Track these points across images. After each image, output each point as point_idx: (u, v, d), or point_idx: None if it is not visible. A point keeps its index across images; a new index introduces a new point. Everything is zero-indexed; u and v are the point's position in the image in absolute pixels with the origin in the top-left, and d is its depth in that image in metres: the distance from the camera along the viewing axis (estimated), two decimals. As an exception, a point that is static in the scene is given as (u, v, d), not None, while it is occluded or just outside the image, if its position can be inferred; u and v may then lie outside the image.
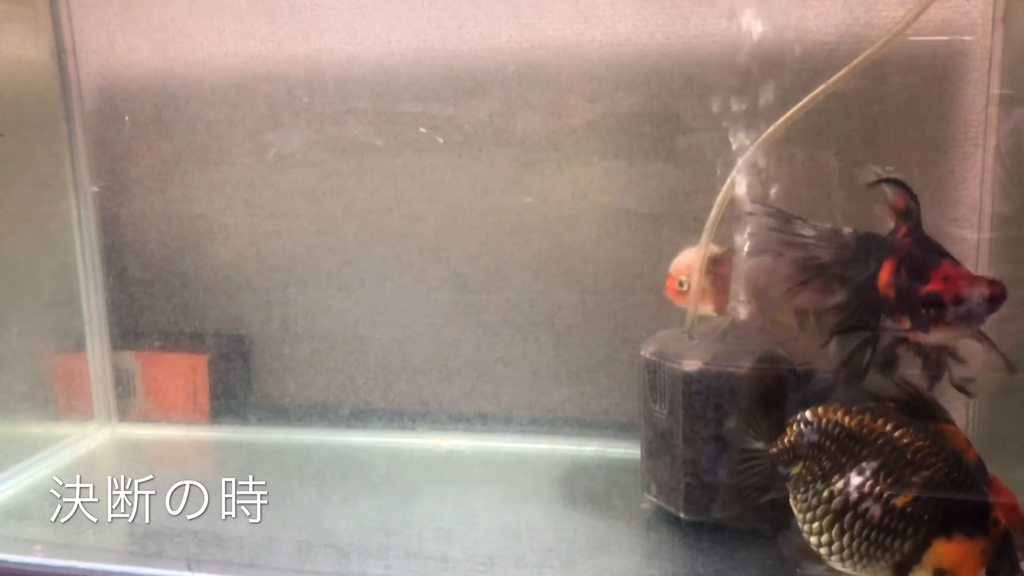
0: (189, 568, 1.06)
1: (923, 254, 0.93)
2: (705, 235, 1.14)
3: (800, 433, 0.91)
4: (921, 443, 0.83)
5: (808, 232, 1.00)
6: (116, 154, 1.54)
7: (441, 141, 1.41)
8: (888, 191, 0.98)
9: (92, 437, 1.55)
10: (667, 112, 1.33)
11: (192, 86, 1.50)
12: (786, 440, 0.92)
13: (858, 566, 0.85)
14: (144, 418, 1.58)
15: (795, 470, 0.91)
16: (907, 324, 0.92)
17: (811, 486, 0.88)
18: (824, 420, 0.89)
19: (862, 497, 0.84)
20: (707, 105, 1.18)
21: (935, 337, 0.90)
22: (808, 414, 0.91)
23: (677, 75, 1.32)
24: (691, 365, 1.09)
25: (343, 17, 1.43)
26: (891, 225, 0.98)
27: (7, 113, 1.45)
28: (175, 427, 1.57)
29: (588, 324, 1.41)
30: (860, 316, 0.97)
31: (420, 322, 1.48)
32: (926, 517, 0.81)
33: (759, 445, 0.94)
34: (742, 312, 1.16)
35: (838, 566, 0.87)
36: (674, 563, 1.06)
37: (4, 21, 1.45)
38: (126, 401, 1.58)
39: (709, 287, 1.18)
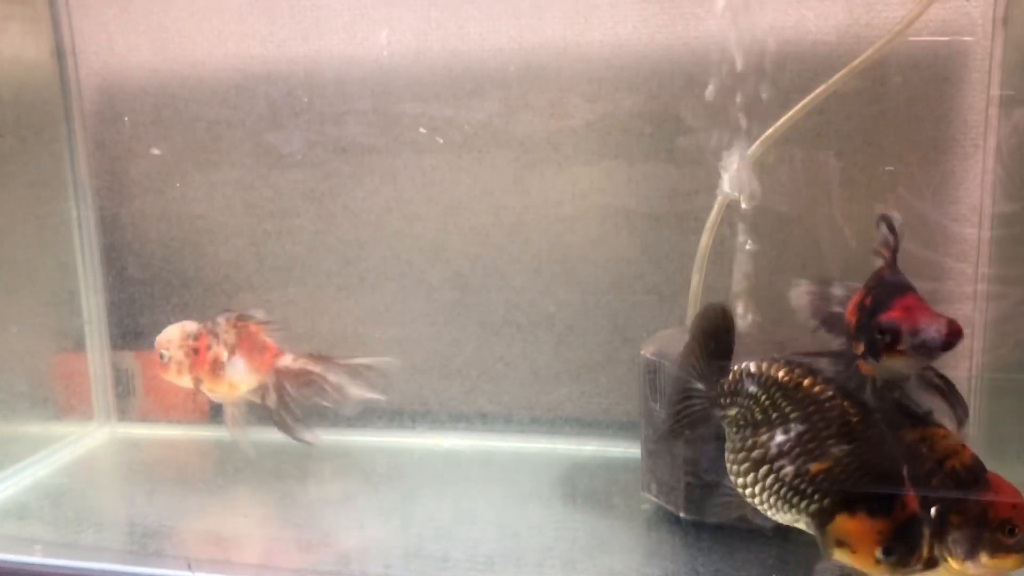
0: (189, 568, 1.06)
1: (891, 285, 0.96)
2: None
3: (740, 380, 0.92)
4: (852, 419, 0.84)
5: (839, 291, 1.05)
6: (116, 154, 1.54)
7: (441, 142, 1.41)
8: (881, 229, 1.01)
9: (92, 437, 1.55)
10: (667, 112, 1.33)
11: (192, 87, 1.50)
12: (727, 385, 0.93)
13: (771, 511, 0.88)
14: (144, 418, 1.58)
15: (731, 412, 0.93)
16: (861, 349, 0.95)
17: (742, 431, 0.90)
18: (765, 375, 0.90)
19: (780, 454, 0.86)
20: (707, 106, 1.18)
21: (886, 364, 0.92)
22: (752, 365, 0.92)
23: (677, 76, 1.32)
24: (691, 365, 1.09)
25: (343, 18, 1.43)
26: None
27: (7, 113, 1.45)
28: (175, 427, 1.57)
29: (588, 324, 1.41)
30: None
31: (420, 322, 1.48)
32: (835, 489, 0.83)
33: (700, 386, 0.96)
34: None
35: (759, 506, 0.90)
36: (674, 562, 1.06)
37: (4, 21, 1.45)
38: (126, 401, 1.58)
39: (184, 360, 1.27)
